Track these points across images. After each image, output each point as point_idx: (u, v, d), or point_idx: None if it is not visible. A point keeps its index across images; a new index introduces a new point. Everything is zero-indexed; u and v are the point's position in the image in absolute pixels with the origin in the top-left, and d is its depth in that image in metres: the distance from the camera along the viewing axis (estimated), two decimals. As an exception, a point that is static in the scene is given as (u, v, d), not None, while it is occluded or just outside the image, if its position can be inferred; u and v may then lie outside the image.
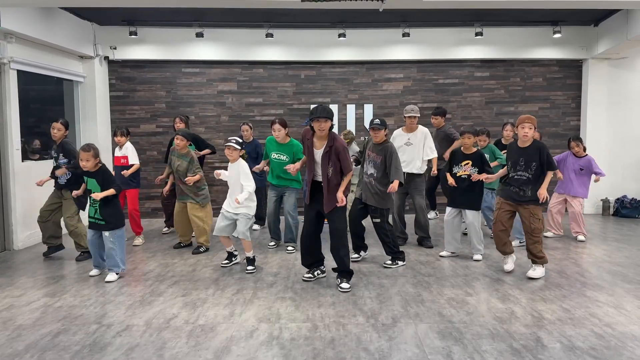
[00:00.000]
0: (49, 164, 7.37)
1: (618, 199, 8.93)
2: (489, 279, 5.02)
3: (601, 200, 9.05)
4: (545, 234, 6.91)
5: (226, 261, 5.65)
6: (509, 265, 5.30)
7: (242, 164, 5.43)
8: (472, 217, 5.74)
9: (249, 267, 5.41)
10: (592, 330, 3.70)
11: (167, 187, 6.53)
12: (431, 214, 8.23)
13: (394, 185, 5.33)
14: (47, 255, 6.12)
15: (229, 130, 8.95)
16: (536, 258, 5.05)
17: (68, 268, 5.63)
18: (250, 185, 5.35)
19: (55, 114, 8.09)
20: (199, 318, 4.02)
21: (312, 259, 5.07)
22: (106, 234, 5.09)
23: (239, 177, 5.37)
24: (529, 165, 4.95)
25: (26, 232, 6.84)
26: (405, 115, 6.41)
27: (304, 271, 5.15)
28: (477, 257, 5.80)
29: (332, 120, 4.66)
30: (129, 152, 6.65)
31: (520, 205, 5.04)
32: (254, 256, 5.49)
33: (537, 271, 5.06)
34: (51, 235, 6.08)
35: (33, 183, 6.92)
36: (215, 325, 3.87)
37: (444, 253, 5.97)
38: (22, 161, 6.84)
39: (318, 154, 4.75)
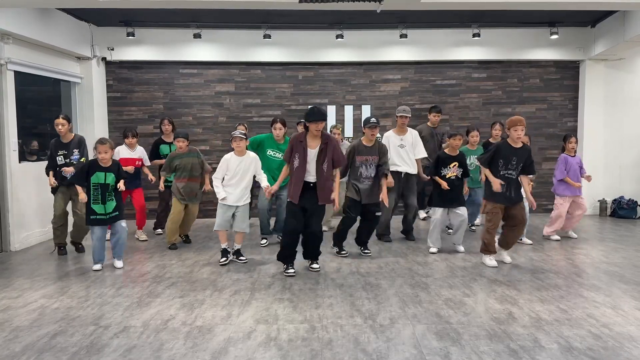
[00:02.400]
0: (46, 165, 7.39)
1: (615, 200, 8.95)
2: (487, 280, 5.03)
3: (598, 201, 9.07)
4: (553, 237, 6.92)
5: (224, 259, 5.72)
6: (494, 262, 5.56)
7: (254, 156, 5.75)
8: (465, 213, 6.10)
9: (242, 258, 5.79)
10: (590, 331, 3.70)
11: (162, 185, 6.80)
12: (422, 214, 8.50)
13: (390, 180, 5.95)
14: (63, 254, 6.26)
15: (226, 131, 8.94)
16: (511, 245, 5.63)
17: (65, 269, 5.62)
18: (265, 177, 5.75)
19: (53, 115, 8.03)
20: (197, 319, 4.01)
21: (293, 252, 5.32)
22: (123, 223, 5.52)
23: (249, 169, 5.64)
24: (518, 164, 5.34)
25: (23, 234, 6.83)
26: (397, 115, 6.59)
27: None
28: (462, 248, 6.23)
29: (326, 120, 5.24)
30: (144, 155, 7.11)
31: (512, 205, 5.40)
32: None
33: (508, 257, 5.68)
34: (65, 235, 6.24)
35: (30, 184, 6.94)
36: (213, 326, 3.86)
37: (434, 249, 6.16)
38: (19, 162, 6.82)
39: (313, 152, 5.11)
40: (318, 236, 5.34)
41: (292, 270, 5.24)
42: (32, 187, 6.99)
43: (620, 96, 9.04)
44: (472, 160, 6.79)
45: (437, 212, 6.10)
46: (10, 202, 6.63)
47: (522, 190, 5.49)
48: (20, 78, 6.96)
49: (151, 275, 5.30)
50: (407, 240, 6.86)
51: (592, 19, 8.51)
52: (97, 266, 5.50)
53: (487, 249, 5.54)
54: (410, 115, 6.64)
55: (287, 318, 4.01)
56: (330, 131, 7.21)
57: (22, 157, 7.00)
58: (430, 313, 4.10)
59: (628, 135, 9.06)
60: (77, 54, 8.14)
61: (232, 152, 5.69)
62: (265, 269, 5.50)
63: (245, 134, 5.71)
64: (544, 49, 8.96)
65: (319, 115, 5.03)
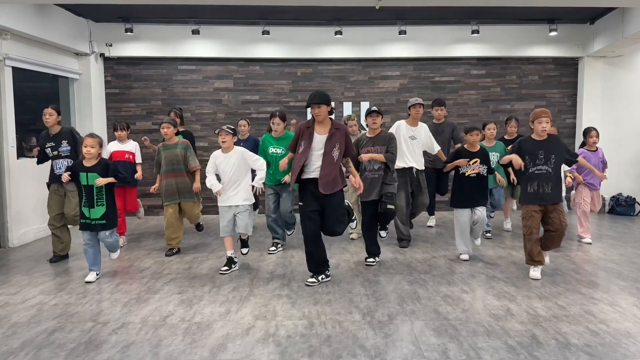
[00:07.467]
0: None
1: (613, 197, 8.96)
2: (485, 277, 5.04)
3: (596, 198, 9.08)
4: (583, 240, 6.52)
5: (225, 267, 5.24)
6: (538, 273, 4.96)
7: (241, 149, 5.27)
8: (482, 213, 5.59)
9: (243, 250, 5.53)
10: (587, 327, 3.71)
11: (157, 185, 5.90)
12: (432, 221, 7.74)
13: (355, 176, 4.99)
14: (53, 261, 5.72)
15: (225, 128, 8.93)
16: (550, 249, 5.04)
17: (63, 266, 5.62)
18: (262, 162, 5.28)
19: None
20: (195, 315, 4.01)
21: (318, 263, 4.85)
22: (107, 233, 4.93)
23: (240, 165, 5.19)
24: (548, 158, 4.81)
25: (21, 230, 6.82)
26: (410, 105, 6.06)
27: (307, 275, 4.91)
28: (478, 242, 5.80)
29: (328, 105, 4.64)
30: (136, 150, 6.44)
31: (548, 206, 4.84)
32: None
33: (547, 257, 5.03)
34: (66, 242, 5.80)
35: (28, 180, 6.93)
36: (211, 322, 3.87)
37: (465, 256, 5.66)
38: (17, 158, 6.81)
39: (321, 139, 4.63)
40: (339, 218, 4.71)
41: (313, 280, 4.80)
42: (30, 183, 6.98)
43: (619, 93, 9.04)
44: (490, 158, 6.11)
45: (464, 214, 5.53)
46: (9, 198, 6.62)
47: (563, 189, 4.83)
48: (19, 74, 6.94)
49: (150, 272, 5.30)
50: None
51: (591, 16, 8.51)
52: (90, 276, 4.93)
53: (532, 260, 4.91)
54: (424, 103, 6.08)
55: (285, 314, 4.02)
56: (345, 123, 6.65)
57: (21, 154, 7.00)
58: (428, 309, 4.11)
59: (626, 132, 9.07)
60: (75, 50, 8.13)
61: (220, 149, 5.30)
62: (264, 266, 5.50)
63: (232, 129, 5.22)
64: (542, 45, 8.96)
65: (313, 99, 4.57)
